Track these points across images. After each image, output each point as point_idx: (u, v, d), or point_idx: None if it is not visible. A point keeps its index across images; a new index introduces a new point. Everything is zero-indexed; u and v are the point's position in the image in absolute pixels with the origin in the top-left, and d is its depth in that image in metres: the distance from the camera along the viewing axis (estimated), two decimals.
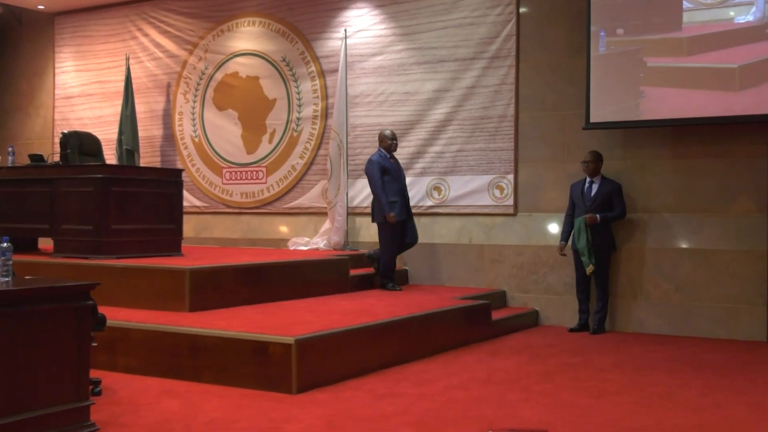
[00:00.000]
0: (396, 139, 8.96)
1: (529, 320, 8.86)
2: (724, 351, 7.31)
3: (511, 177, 9.17)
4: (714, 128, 8.17)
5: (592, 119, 8.47)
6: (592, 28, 8.51)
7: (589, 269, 8.25)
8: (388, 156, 8.85)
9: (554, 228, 8.91)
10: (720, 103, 7.99)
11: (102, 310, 4.83)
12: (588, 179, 8.46)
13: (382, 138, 8.93)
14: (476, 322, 7.81)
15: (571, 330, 8.44)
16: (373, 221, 8.91)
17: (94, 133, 9.57)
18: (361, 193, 10.06)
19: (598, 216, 8.25)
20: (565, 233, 8.56)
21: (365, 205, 10.03)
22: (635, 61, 8.42)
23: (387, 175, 8.73)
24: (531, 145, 9.10)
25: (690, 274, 8.30)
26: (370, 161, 8.86)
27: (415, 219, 9.26)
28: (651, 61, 8.37)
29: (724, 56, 8.06)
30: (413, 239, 8.91)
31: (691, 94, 8.15)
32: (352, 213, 10.08)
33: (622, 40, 8.50)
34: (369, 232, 10.01)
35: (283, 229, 10.75)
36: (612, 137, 8.66)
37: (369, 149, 10.00)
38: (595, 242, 8.28)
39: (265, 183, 10.92)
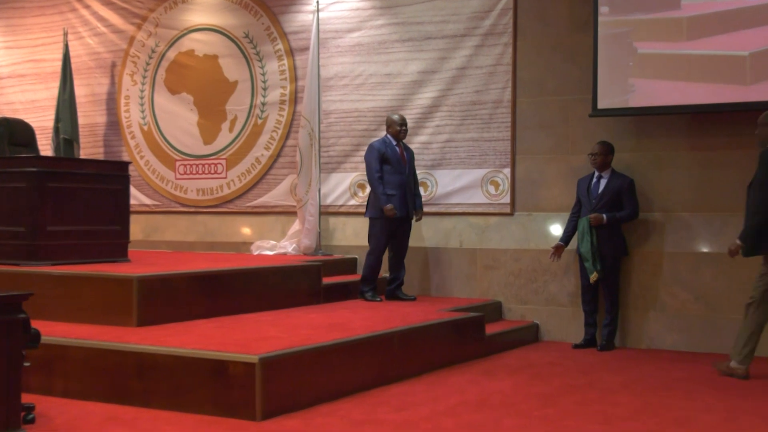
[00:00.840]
0: (405, 125, 8.94)
1: (528, 335, 8.88)
2: (750, 369, 7.34)
3: (507, 171, 9.19)
4: (739, 116, 8.18)
5: (600, 105, 8.49)
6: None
7: (593, 277, 8.27)
8: (395, 143, 8.85)
9: (557, 229, 8.92)
10: (727, 99, 7.90)
11: (36, 324, 4.79)
12: (596, 174, 8.48)
13: (390, 123, 8.92)
14: (467, 338, 7.81)
15: (576, 346, 8.46)
16: (365, 215, 8.93)
17: (26, 120, 9.50)
18: (336, 189, 10.05)
19: (604, 216, 8.27)
20: (567, 234, 8.58)
21: (340, 203, 10.02)
22: (623, 47, 8.34)
23: (387, 164, 8.73)
24: (530, 134, 9.11)
25: (711, 282, 8.34)
26: (369, 147, 8.89)
27: None
28: (643, 47, 8.32)
29: (732, 41, 7.93)
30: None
31: (692, 87, 8.04)
32: (325, 212, 10.07)
33: (607, 21, 8.45)
34: (345, 235, 9.99)
35: (246, 230, 10.73)
36: (623, 126, 8.68)
37: (345, 139, 10.00)
38: (602, 246, 8.30)
39: (225, 178, 10.89)
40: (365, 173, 9.71)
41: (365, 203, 9.53)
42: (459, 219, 9.43)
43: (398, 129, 8.85)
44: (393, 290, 8.89)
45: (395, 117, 8.93)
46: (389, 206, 8.60)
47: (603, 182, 8.41)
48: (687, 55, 8.14)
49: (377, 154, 8.73)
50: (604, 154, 8.41)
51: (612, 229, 8.34)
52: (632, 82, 8.30)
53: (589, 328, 8.49)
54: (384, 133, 9.05)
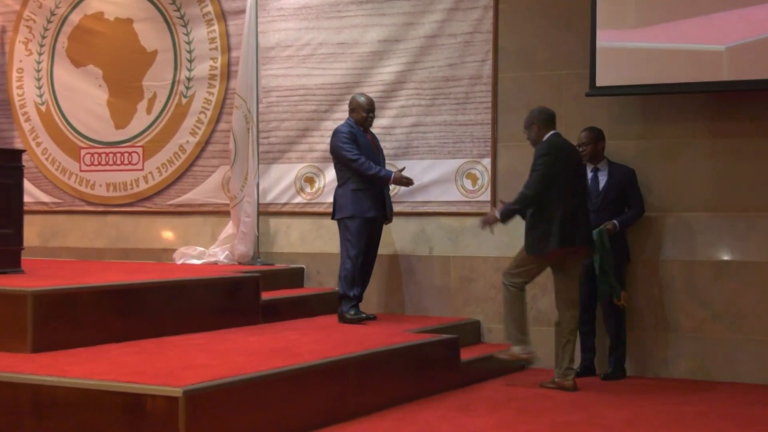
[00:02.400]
0: (373, 112, 8.89)
1: (513, 362, 8.87)
2: None
3: (487, 162, 9.21)
4: None
5: (600, 81, 8.51)
6: None
7: (623, 299, 8.25)
8: (362, 130, 8.81)
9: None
10: None
11: None
12: (589, 167, 8.49)
13: (354, 105, 8.84)
14: (439, 365, 7.82)
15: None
16: (333, 218, 8.87)
17: None
18: (278, 184, 10.05)
19: (616, 223, 8.28)
20: None
21: (283, 201, 10.00)
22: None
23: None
24: (515, 117, 9.09)
25: (734, 297, 8.41)
26: (334, 132, 8.78)
27: None
28: None
29: (702, 30, 7.89)
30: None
31: None
32: (264, 213, 10.06)
33: None
34: (289, 240, 9.97)
35: (168, 235, 10.68)
36: (627, 107, 8.73)
37: (289, 122, 9.97)
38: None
39: (142, 170, 10.85)
40: (313, 164, 9.71)
41: (314, 201, 9.53)
42: (429, 220, 9.43)
43: (364, 116, 8.79)
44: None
45: (361, 99, 8.86)
46: (397, 175, 8.59)
47: (603, 177, 8.43)
48: (638, 50, 8.17)
49: (347, 135, 8.64)
50: (594, 142, 8.43)
51: (617, 234, 8.36)
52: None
53: (586, 354, 8.53)
54: (345, 115, 9.01)
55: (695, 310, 8.49)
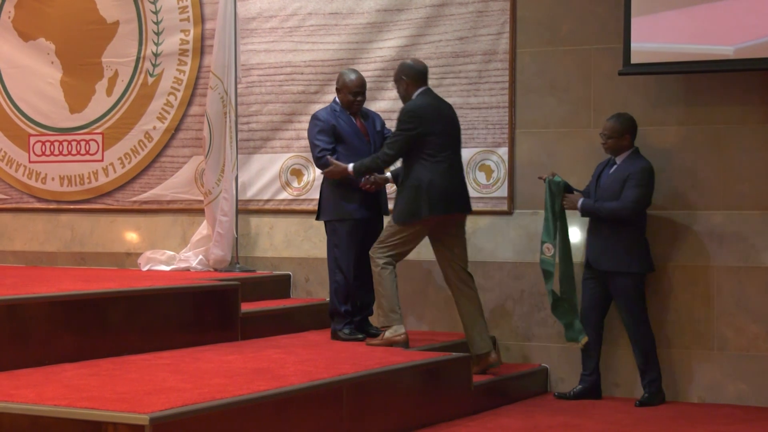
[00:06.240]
0: (363, 93, 8.69)
1: (534, 384, 8.94)
2: None
3: (504, 152, 9.20)
4: None
5: (635, 58, 8.50)
6: None
7: (582, 341, 8.48)
8: (348, 113, 8.67)
9: (575, 234, 8.89)
10: None
11: None
12: (612, 158, 8.49)
13: (341, 84, 8.64)
14: (447, 388, 7.81)
15: (560, 396, 8.64)
16: (318, 219, 8.85)
17: None
18: (260, 177, 10.06)
19: (581, 201, 8.36)
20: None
21: (266, 197, 10.00)
22: None
23: (340, 143, 8.55)
24: (535, 100, 9.14)
25: None
26: (312, 119, 8.70)
27: None
28: None
29: (704, 27, 7.96)
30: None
31: None
32: (244, 210, 10.07)
33: None
34: (272, 242, 9.95)
35: (132, 236, 10.68)
36: (667, 88, 8.72)
37: (273, 105, 9.97)
38: (615, 256, 8.32)
39: (101, 161, 10.86)
40: (301, 154, 9.81)
41: (302, 197, 9.52)
42: None
43: (350, 99, 8.59)
44: (359, 323, 8.81)
45: (350, 78, 8.63)
46: (344, 166, 8.30)
47: (611, 171, 8.42)
48: (679, 21, 8.20)
49: (321, 126, 8.53)
50: (618, 136, 8.35)
51: (624, 229, 8.32)
52: None
53: (588, 377, 8.62)
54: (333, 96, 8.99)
55: (746, 324, 8.48)
